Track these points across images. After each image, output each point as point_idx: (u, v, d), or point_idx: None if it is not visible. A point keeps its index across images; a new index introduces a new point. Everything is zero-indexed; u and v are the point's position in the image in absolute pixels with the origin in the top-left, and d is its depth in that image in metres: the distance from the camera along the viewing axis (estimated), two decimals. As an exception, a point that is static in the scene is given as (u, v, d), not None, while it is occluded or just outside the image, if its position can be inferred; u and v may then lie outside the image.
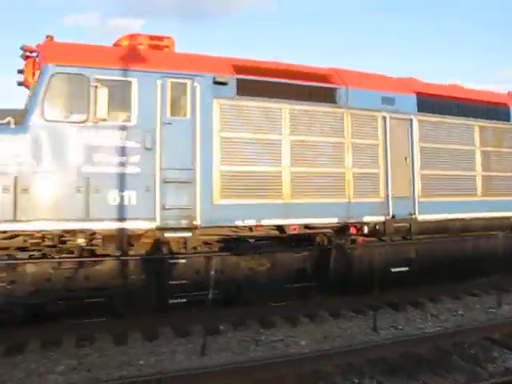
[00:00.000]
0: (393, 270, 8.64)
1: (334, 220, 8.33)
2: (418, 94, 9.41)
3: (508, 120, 10.45)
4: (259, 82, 8.01)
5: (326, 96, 8.50)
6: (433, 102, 9.53)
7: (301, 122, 8.27)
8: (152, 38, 8.08)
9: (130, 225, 7.08)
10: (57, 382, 5.28)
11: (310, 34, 40.22)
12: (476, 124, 9.97)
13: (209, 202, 7.50)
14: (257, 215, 7.79)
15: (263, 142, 7.96)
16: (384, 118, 8.90)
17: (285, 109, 8.14)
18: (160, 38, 8.18)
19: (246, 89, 7.90)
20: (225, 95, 7.74)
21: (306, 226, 8.26)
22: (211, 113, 7.63)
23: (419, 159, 9.22)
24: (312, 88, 8.39)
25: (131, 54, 7.49)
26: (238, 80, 7.86)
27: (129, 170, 7.11)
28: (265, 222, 7.89)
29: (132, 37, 7.99)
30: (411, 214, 9.04)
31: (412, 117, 9.22)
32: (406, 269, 8.78)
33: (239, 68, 8.00)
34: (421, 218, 9.12)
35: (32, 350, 6.15)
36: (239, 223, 7.69)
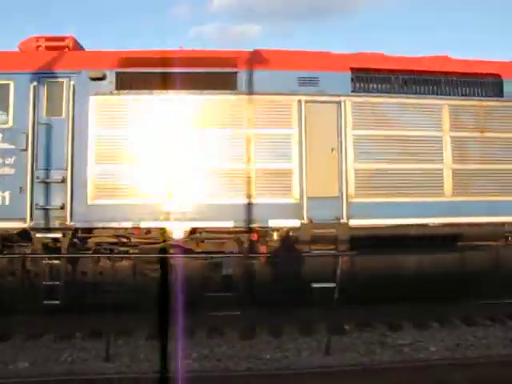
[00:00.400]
0: (314, 285, 7.30)
1: (228, 224, 7.37)
2: (354, 70, 7.78)
3: (501, 95, 8.02)
4: (142, 74, 7.48)
5: (225, 83, 7.55)
6: (374, 80, 7.79)
7: (199, 113, 7.52)
8: (50, 39, 8.12)
9: (2, 225, 7.26)
10: (190, 367, 5.62)
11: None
12: (446, 103, 7.85)
13: (83, 202, 7.29)
14: (136, 217, 7.30)
15: (146, 137, 7.44)
16: (300, 102, 7.57)
17: (173, 100, 7.48)
18: (60, 39, 8.17)
19: (128, 82, 7.45)
20: (102, 91, 7.42)
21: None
22: (87, 110, 7.38)
23: (352, 151, 7.62)
24: (207, 75, 7.54)
25: (13, 57, 7.66)
26: (118, 74, 7.45)
27: (4, 171, 7.29)
28: (143, 224, 7.35)
29: (30, 40, 8.14)
30: (338, 219, 7.53)
31: (342, 99, 7.65)
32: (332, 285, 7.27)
33: (122, 61, 7.57)
34: (353, 223, 7.54)
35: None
36: (115, 225, 7.32)
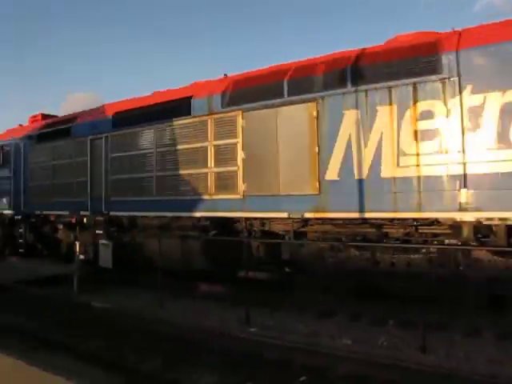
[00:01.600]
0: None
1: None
2: (114, 114, 11.68)
3: (189, 113, 10.08)
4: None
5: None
6: (127, 117, 11.41)
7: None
8: (33, 116, 15.48)
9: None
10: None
11: None
12: (153, 127, 10.71)
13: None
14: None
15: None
16: (90, 141, 12.14)
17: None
18: (34, 116, 15.41)
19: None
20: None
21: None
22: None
23: (109, 167, 11.63)
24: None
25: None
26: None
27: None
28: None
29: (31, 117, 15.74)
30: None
31: (106, 135, 11.73)
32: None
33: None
34: (111, 213, 11.65)
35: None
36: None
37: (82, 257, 10.94)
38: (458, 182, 6.99)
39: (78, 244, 10.81)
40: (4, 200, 14.67)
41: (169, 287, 9.14)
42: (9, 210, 14.56)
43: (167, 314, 8.26)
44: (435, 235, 7.62)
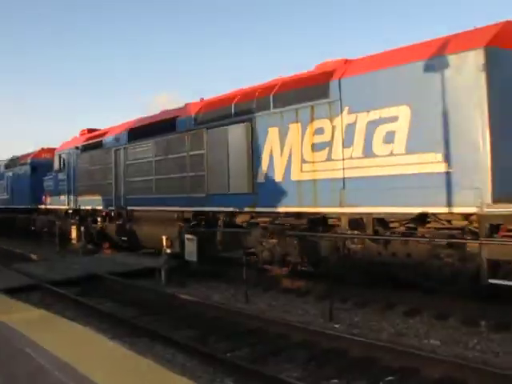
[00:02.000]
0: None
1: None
2: (129, 130, 14.89)
3: (173, 130, 12.89)
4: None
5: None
6: (136, 133, 14.55)
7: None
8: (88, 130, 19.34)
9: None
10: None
11: None
12: (152, 141, 13.70)
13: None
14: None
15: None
16: (115, 152, 15.50)
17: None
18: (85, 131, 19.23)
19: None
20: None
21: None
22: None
23: (126, 172, 14.85)
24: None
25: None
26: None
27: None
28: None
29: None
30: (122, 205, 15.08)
31: (124, 146, 14.97)
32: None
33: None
34: (129, 208, 14.89)
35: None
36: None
37: (168, 251, 11.65)
38: (339, 184, 8.96)
39: (164, 238, 11.76)
40: (62, 198, 18.73)
41: (251, 281, 9.72)
42: (65, 205, 18.62)
43: (251, 307, 8.56)
44: (331, 226, 9.62)
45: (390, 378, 5.24)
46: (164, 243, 11.88)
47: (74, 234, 17.56)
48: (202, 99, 12.93)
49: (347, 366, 5.70)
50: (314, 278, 9.87)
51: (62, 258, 15.24)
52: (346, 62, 9.47)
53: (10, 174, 24.96)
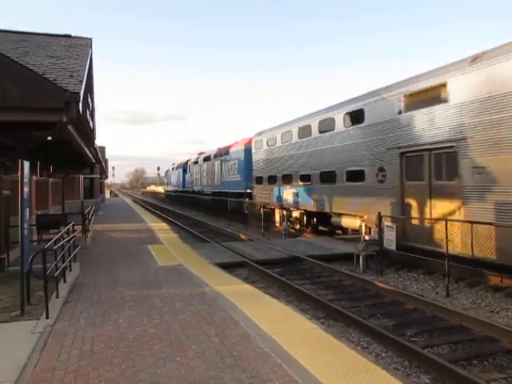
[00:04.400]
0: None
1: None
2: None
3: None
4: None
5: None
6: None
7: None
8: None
9: None
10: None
11: None
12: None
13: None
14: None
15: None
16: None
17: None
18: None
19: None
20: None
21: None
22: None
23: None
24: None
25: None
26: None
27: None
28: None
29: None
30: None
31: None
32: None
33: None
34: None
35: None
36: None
37: (367, 237, 11.46)
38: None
39: (363, 225, 11.73)
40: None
41: (454, 274, 9.19)
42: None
43: (452, 303, 8.11)
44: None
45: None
46: (363, 230, 11.64)
47: (277, 217, 18.93)
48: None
49: None
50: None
51: (267, 239, 16.09)
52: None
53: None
